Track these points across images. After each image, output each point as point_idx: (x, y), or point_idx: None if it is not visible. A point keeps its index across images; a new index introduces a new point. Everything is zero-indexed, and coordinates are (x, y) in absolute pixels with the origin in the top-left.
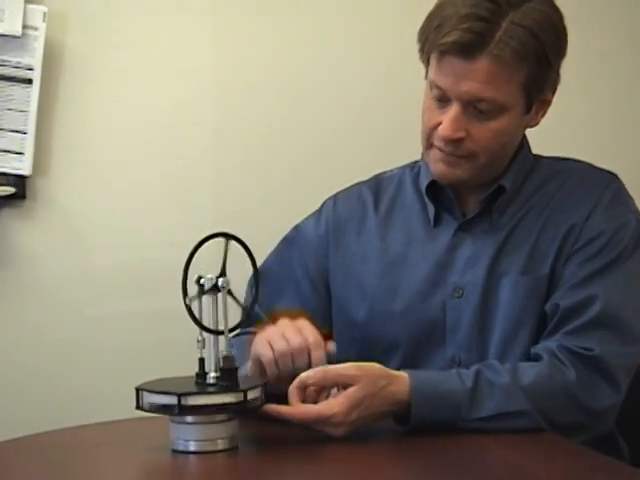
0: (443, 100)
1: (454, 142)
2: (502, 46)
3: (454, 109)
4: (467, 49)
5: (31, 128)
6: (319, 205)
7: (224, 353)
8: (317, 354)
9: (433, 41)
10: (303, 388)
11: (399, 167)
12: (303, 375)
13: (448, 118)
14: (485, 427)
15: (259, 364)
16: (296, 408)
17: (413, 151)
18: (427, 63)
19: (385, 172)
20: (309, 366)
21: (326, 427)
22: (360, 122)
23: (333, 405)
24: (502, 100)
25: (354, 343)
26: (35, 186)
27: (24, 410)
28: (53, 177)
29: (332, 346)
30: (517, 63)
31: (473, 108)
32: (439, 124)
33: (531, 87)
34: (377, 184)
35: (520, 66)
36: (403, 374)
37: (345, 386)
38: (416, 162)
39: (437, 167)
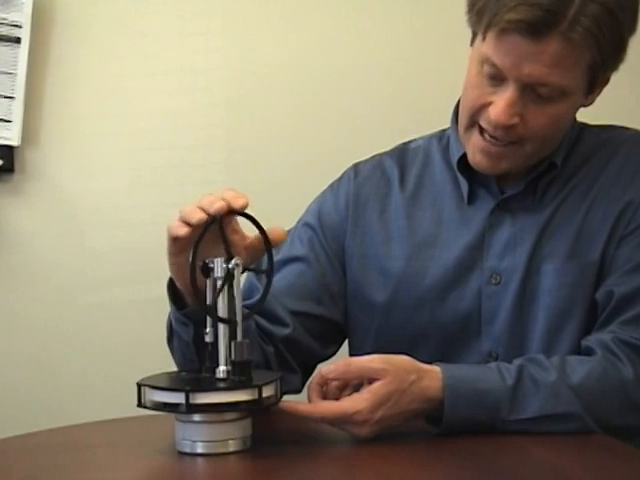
0: (497, 79)
1: (506, 128)
2: (574, 26)
3: (511, 92)
4: (535, 29)
5: (19, 93)
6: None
7: (236, 344)
8: (241, 201)
9: (493, 15)
10: (323, 384)
11: (424, 137)
12: (323, 369)
13: (503, 102)
14: (527, 430)
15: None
16: (315, 405)
17: None
18: (480, 34)
19: (409, 142)
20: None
21: (349, 426)
22: (376, 110)
23: (357, 401)
24: (566, 85)
25: (371, 334)
26: (24, 158)
27: (11, 407)
28: (44, 148)
29: (282, 232)
30: (588, 45)
31: (531, 91)
32: (488, 104)
33: (598, 69)
34: (402, 156)
35: (591, 48)
36: (435, 368)
37: (370, 380)
38: (444, 131)
39: (476, 159)
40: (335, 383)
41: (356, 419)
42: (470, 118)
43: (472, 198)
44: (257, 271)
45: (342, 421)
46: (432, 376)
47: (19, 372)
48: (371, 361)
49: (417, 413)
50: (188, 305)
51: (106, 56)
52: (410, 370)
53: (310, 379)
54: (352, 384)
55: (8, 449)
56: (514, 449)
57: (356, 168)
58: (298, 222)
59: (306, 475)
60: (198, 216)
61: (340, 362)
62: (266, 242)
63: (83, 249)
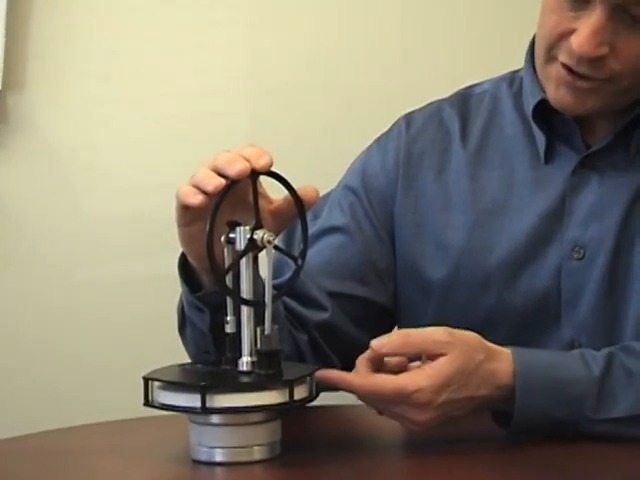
0: (579, 1)
1: (592, 61)
2: None
3: (597, 16)
4: None
5: None
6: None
7: (263, 331)
8: (264, 160)
9: None
10: (376, 362)
11: (490, 79)
12: (374, 342)
13: (588, 28)
14: (617, 432)
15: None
16: (366, 376)
17: None
18: None
19: (472, 86)
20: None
21: (407, 409)
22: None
23: (419, 378)
24: None
25: (426, 319)
26: (6, 104)
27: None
28: (30, 93)
29: (313, 191)
30: None
31: (623, 13)
32: (570, 32)
33: None
34: (463, 104)
35: None
36: (505, 350)
37: (432, 357)
38: (515, 72)
39: (559, 94)
40: (395, 360)
41: (417, 399)
42: (548, 51)
43: (550, 155)
44: (287, 254)
45: (399, 400)
46: (502, 358)
47: (3, 365)
48: (435, 332)
49: (484, 402)
50: (203, 286)
51: None
52: (477, 348)
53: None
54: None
55: (7, 452)
56: (599, 458)
57: (408, 118)
58: (338, 185)
59: None
60: (214, 182)
61: (396, 333)
62: (299, 206)
63: (78, 216)
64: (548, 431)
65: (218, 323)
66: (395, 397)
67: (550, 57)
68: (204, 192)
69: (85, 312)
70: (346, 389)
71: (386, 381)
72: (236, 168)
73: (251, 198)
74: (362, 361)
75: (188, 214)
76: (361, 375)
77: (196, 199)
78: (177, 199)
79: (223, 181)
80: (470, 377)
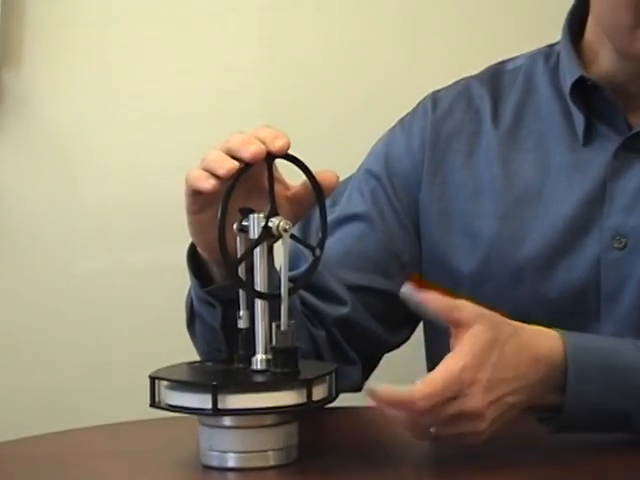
0: None
1: None
2: None
3: None
4: None
5: None
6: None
7: (278, 326)
8: (280, 142)
9: None
10: None
11: (525, 54)
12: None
13: None
14: None
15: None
16: (412, 389)
17: None
18: None
19: (505, 61)
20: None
21: (459, 400)
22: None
23: (456, 357)
24: None
25: None
26: (1, 83)
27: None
28: (27, 71)
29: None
30: None
31: None
32: None
33: None
34: (495, 80)
35: None
36: (550, 330)
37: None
38: (552, 46)
39: None
40: None
41: (464, 378)
42: (635, 16)
43: (589, 136)
44: (304, 243)
45: (450, 386)
46: (549, 335)
47: (3, 359)
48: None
49: (535, 387)
50: (214, 280)
51: None
52: (502, 318)
53: None
54: None
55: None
56: None
57: (434, 97)
58: (358, 170)
59: None
60: (227, 166)
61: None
62: (317, 193)
63: (78, 203)
64: (597, 427)
65: (230, 319)
66: (449, 385)
67: (637, 22)
68: (216, 176)
69: (86, 305)
70: (401, 403)
71: (434, 377)
72: (250, 150)
73: (266, 183)
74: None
75: (198, 200)
76: (407, 389)
77: (207, 184)
78: (187, 184)
79: (236, 164)
80: (513, 352)
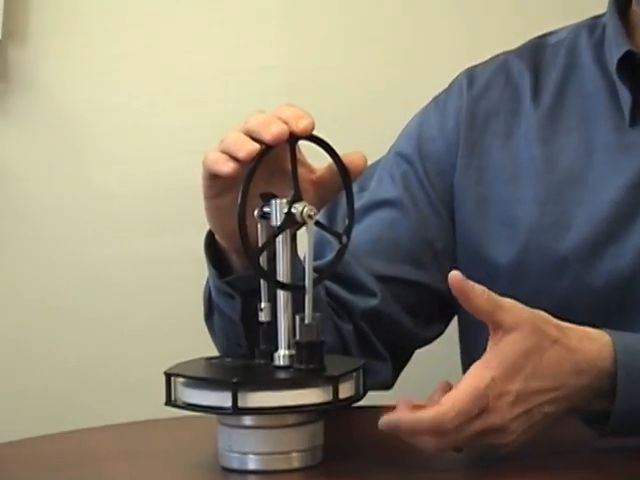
0: None
1: None
2: None
3: None
4: None
5: None
6: None
7: (303, 319)
8: (305, 122)
9: None
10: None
11: (567, 27)
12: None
13: None
14: None
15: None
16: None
17: None
18: None
19: (547, 35)
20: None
21: (487, 418)
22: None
23: (483, 369)
24: None
25: None
26: (7, 58)
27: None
28: (33, 49)
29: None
30: None
31: None
32: None
33: None
34: (535, 56)
35: None
36: (598, 332)
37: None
38: (597, 18)
39: None
40: None
41: (491, 393)
42: None
43: (636, 116)
44: (330, 230)
45: (477, 403)
46: (597, 338)
47: (6, 356)
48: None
49: (580, 393)
50: (233, 270)
51: None
52: (548, 320)
53: None
54: None
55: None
56: None
57: (470, 74)
58: (388, 152)
59: None
60: (247, 148)
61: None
62: (344, 176)
63: (88, 188)
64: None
65: (250, 311)
66: (473, 402)
67: None
68: (235, 159)
69: (96, 297)
70: (429, 430)
71: (455, 395)
72: (272, 131)
73: (289, 166)
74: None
75: (217, 184)
76: (416, 414)
77: (227, 167)
78: (204, 167)
79: (257, 146)
80: (554, 360)
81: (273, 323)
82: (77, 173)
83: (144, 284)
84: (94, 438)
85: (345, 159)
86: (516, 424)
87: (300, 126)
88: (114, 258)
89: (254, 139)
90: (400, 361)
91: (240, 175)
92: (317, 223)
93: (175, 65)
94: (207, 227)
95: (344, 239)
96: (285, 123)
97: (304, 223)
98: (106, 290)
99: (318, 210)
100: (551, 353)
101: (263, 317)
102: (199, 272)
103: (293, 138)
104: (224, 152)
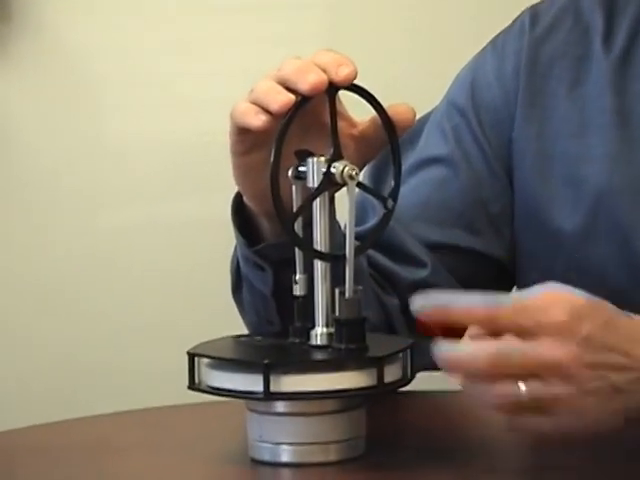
0: None
1: None
2: None
3: None
4: None
5: None
6: None
7: (343, 293)
8: (346, 70)
9: None
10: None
11: None
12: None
13: None
14: None
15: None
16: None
17: None
18: None
19: None
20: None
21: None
22: None
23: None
24: None
25: (555, 274)
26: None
27: (3, 385)
28: None
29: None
30: None
31: None
32: None
33: None
34: None
35: None
36: None
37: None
38: None
39: None
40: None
41: (554, 316)
42: None
43: None
44: (374, 193)
45: (539, 314)
46: None
47: (14, 332)
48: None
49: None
50: (264, 238)
51: None
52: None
53: None
54: None
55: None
56: None
57: (534, 11)
58: (440, 103)
59: None
60: (281, 99)
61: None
62: (389, 131)
63: (101, 145)
64: None
65: (284, 284)
66: (526, 314)
67: None
68: (267, 111)
69: (111, 265)
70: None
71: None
72: (309, 80)
73: (328, 119)
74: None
75: (246, 139)
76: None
77: (257, 120)
78: (232, 120)
79: (292, 97)
80: (631, 324)
81: (309, 298)
82: (89, 126)
83: (163, 253)
84: (105, 426)
85: (391, 111)
86: (584, 374)
87: (341, 74)
88: (130, 222)
89: (288, 89)
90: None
91: (272, 129)
92: (360, 184)
93: (199, 4)
94: (234, 189)
95: (389, 203)
96: (324, 71)
97: (344, 184)
98: (121, 257)
99: (360, 169)
100: (623, 318)
101: (298, 291)
102: (224, 239)
103: (332, 88)
104: (254, 103)
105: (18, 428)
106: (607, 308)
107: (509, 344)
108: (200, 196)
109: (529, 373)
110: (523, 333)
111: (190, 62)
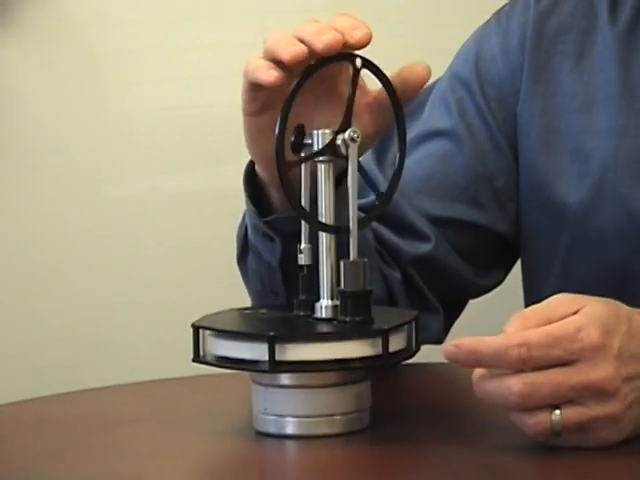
0: None
1: None
2: None
3: None
4: None
5: None
6: None
7: (347, 266)
8: (360, 33)
9: None
10: None
11: None
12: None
13: None
14: None
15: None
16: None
17: None
18: None
19: None
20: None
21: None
22: None
23: (572, 320)
24: None
25: (558, 256)
26: None
27: (3, 355)
28: None
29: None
30: None
31: None
32: None
33: None
34: None
35: None
36: None
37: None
38: None
39: None
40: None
41: (584, 340)
42: None
43: None
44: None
45: (567, 342)
46: None
47: (21, 302)
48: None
49: None
50: (274, 208)
51: None
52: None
53: None
54: None
55: (1, 423)
56: None
57: None
58: (443, 75)
59: (457, 473)
60: (292, 50)
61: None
62: (393, 99)
63: (108, 115)
64: None
65: (291, 257)
66: (559, 338)
67: None
68: (280, 66)
69: (119, 237)
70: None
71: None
72: (324, 40)
73: (342, 90)
74: None
75: (258, 97)
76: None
77: (269, 75)
78: (244, 76)
79: (304, 49)
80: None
81: (314, 270)
82: (94, 97)
83: (169, 224)
84: (110, 399)
85: (405, 71)
86: (623, 389)
87: (355, 37)
88: (138, 194)
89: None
90: (453, 313)
91: (284, 85)
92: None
93: None
94: (241, 161)
95: (395, 168)
96: (341, 34)
97: (347, 148)
98: (128, 227)
99: (373, 140)
100: (635, 317)
101: (303, 260)
102: (230, 212)
103: (352, 56)
104: (267, 55)
105: (22, 400)
106: (622, 311)
107: (539, 377)
108: (206, 168)
109: (563, 399)
110: (559, 364)
111: (196, 33)
